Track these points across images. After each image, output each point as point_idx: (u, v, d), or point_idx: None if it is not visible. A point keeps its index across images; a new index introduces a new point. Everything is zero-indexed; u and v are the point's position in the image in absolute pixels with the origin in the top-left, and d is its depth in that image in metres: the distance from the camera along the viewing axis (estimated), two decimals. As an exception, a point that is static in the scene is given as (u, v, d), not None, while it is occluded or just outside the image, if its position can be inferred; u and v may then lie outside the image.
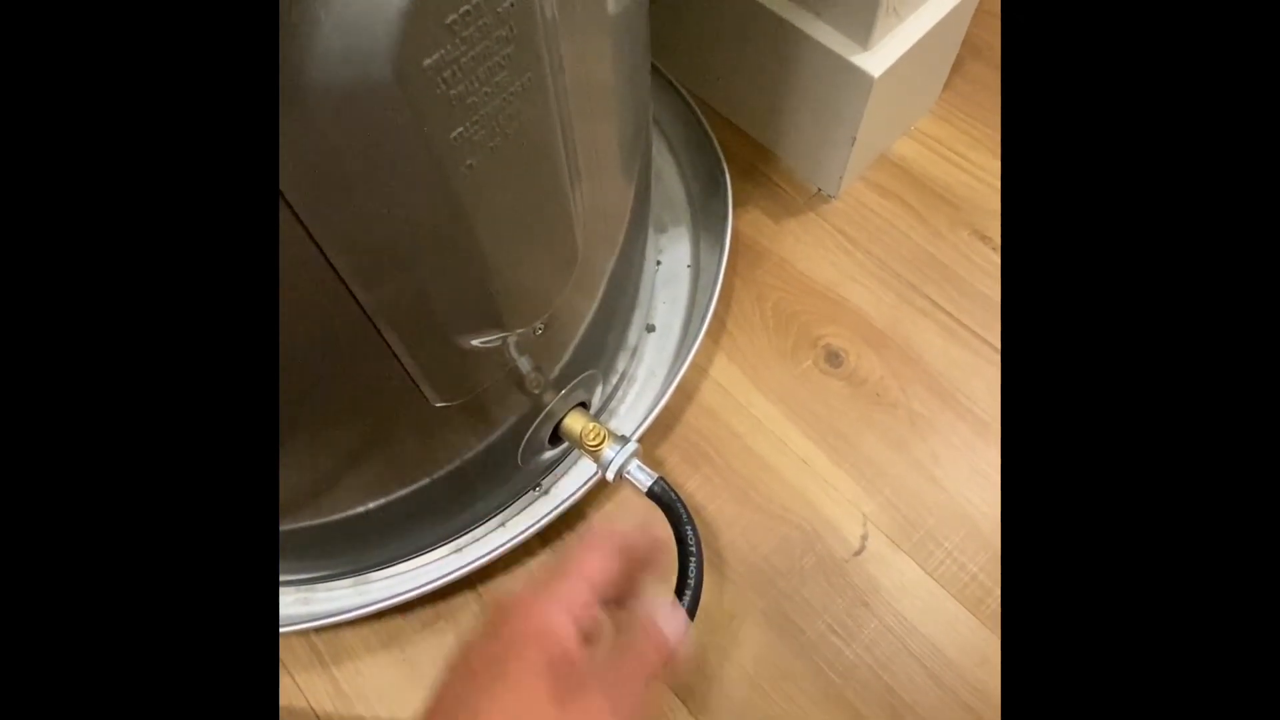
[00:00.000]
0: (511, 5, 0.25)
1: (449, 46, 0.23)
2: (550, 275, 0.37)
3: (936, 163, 0.67)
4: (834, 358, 0.60)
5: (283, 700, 0.51)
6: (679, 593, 0.46)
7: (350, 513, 0.43)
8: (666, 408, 0.54)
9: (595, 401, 0.53)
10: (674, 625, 0.27)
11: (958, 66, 0.69)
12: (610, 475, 0.48)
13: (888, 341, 0.60)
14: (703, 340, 0.56)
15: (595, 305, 0.45)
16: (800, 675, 0.50)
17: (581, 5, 0.30)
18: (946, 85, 0.70)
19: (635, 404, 0.57)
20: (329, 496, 0.41)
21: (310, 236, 0.25)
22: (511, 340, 0.38)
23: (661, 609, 0.27)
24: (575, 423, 0.48)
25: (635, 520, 0.55)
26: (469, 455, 0.44)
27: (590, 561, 0.27)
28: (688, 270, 0.62)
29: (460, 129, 0.26)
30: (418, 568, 0.52)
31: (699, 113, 0.63)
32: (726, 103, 0.69)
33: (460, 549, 0.53)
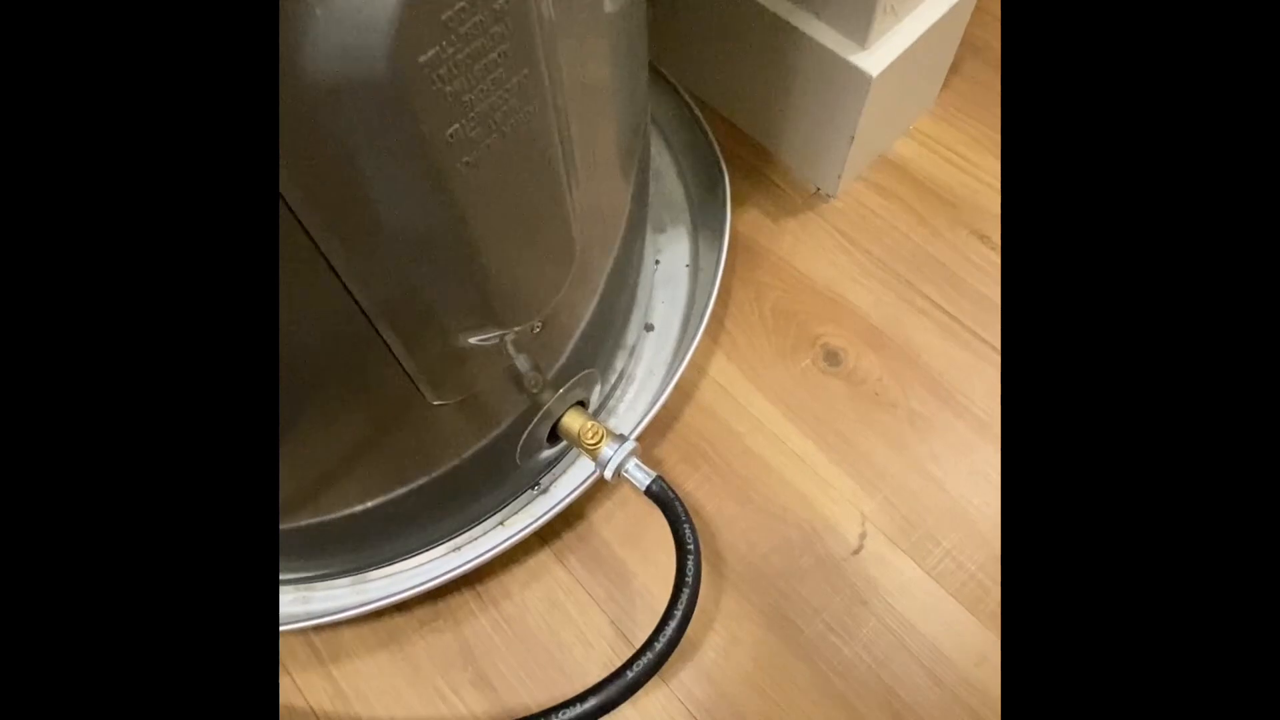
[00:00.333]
0: (507, 2, 0.25)
1: (444, 43, 0.23)
2: (548, 273, 0.37)
3: (935, 162, 0.67)
4: (833, 357, 0.60)
5: (282, 699, 0.52)
6: (677, 591, 0.46)
7: (348, 511, 0.43)
8: (665, 407, 0.54)
9: (594, 400, 0.53)
10: None
11: (956, 66, 0.69)
12: (609, 474, 0.48)
13: (886, 341, 0.60)
14: (701, 339, 0.56)
15: (594, 304, 0.45)
16: (799, 674, 0.50)
17: (579, 3, 0.30)
18: (945, 85, 0.70)
19: (634, 403, 0.57)
20: (327, 495, 0.42)
21: (307, 234, 0.25)
22: (509, 338, 0.38)
23: None
24: (573, 421, 0.49)
25: (634, 519, 0.55)
26: (467, 454, 0.44)
27: None
28: (686, 269, 0.62)
29: (456, 126, 0.26)
30: (416, 566, 0.52)
31: (697, 112, 0.63)
32: (725, 102, 0.69)
33: (458, 548, 0.53)
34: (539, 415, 0.46)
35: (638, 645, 0.46)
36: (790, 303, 0.62)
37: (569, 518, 0.55)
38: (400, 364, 0.33)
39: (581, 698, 0.45)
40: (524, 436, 0.47)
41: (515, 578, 0.54)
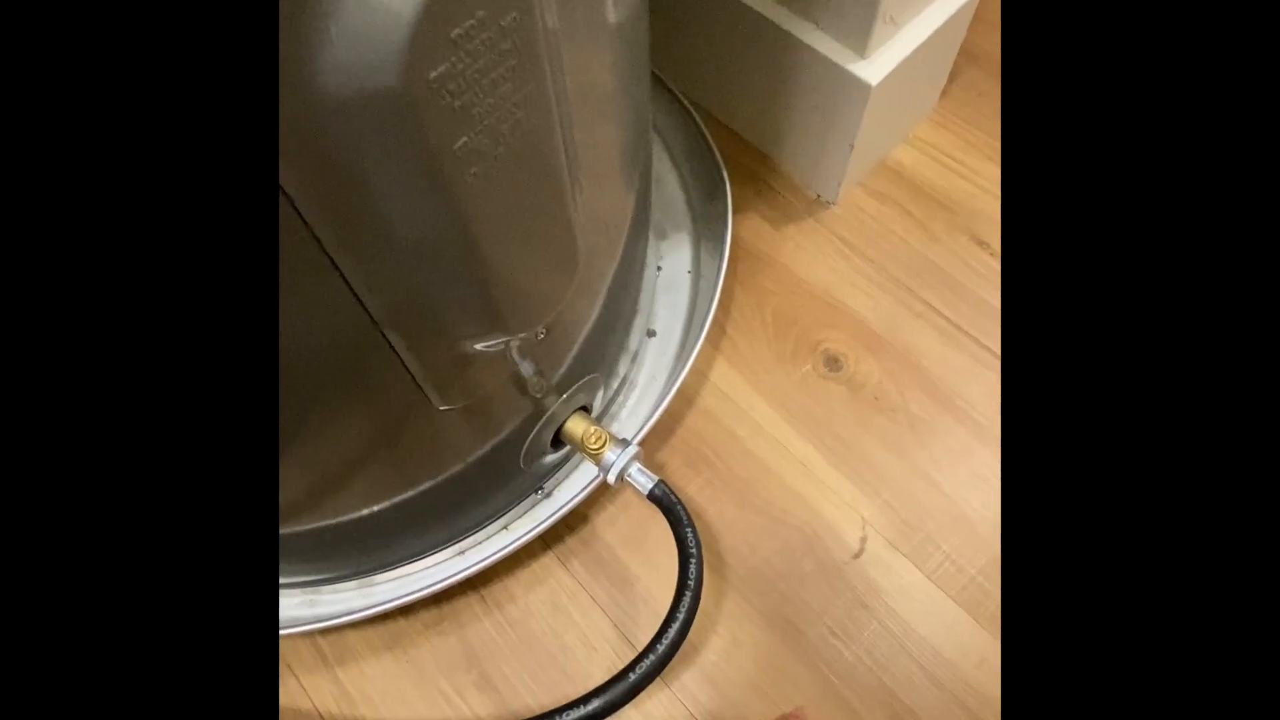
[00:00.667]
0: (515, 19, 0.25)
1: (454, 59, 0.24)
2: (552, 280, 0.38)
3: (934, 169, 0.68)
4: (833, 362, 0.60)
5: (288, 702, 0.52)
6: (679, 594, 0.47)
7: (355, 515, 0.44)
8: (667, 412, 0.55)
9: (597, 405, 0.53)
10: None
11: (955, 74, 0.69)
12: (612, 478, 0.49)
13: (886, 346, 0.61)
14: (703, 345, 0.56)
15: (597, 310, 0.46)
16: (800, 677, 0.51)
17: (582, 17, 0.30)
18: (944, 92, 0.70)
19: (636, 408, 0.58)
20: (334, 499, 0.42)
21: (319, 243, 0.26)
22: (514, 345, 0.38)
23: None
24: (577, 426, 0.49)
25: (636, 523, 0.55)
26: (472, 458, 0.44)
27: None
28: (688, 276, 0.62)
29: (465, 139, 0.26)
30: (421, 570, 0.53)
31: (699, 120, 0.64)
32: (726, 110, 0.70)
33: (463, 551, 0.53)
34: (543, 420, 0.47)
35: (640, 648, 0.47)
36: (791, 308, 0.63)
37: (572, 521, 0.56)
38: (407, 370, 0.34)
39: (585, 700, 0.46)
40: (528, 441, 0.47)
41: (519, 581, 0.54)
